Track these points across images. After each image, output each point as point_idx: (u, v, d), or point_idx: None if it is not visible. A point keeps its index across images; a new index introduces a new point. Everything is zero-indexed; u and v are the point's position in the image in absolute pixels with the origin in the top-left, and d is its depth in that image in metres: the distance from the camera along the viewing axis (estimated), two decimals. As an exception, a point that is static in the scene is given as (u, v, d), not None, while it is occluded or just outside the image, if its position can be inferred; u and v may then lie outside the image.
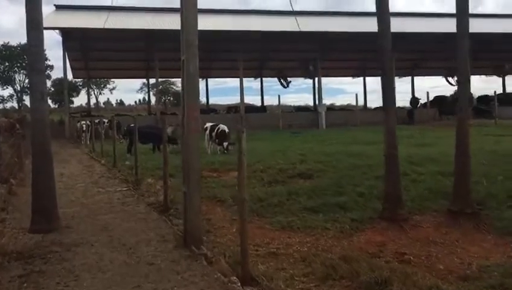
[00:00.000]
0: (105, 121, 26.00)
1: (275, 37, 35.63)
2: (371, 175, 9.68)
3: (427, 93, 42.25)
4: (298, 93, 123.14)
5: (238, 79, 37.23)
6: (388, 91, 6.97)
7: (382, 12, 6.94)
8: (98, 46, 37.19)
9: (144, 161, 13.05)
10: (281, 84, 44.93)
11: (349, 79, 60.34)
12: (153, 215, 7.52)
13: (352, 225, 6.71)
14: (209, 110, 41.23)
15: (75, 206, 8.28)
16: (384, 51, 6.86)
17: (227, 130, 16.31)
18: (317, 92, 39.65)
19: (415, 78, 50.31)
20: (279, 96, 38.82)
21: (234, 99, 66.80)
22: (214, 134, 16.51)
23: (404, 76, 49.75)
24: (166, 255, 5.47)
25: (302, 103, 64.88)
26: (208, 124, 17.08)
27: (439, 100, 43.19)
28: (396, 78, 44.45)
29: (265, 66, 45.17)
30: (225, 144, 15.82)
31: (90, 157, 17.03)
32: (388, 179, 6.93)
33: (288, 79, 45.40)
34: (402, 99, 53.61)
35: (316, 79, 42.54)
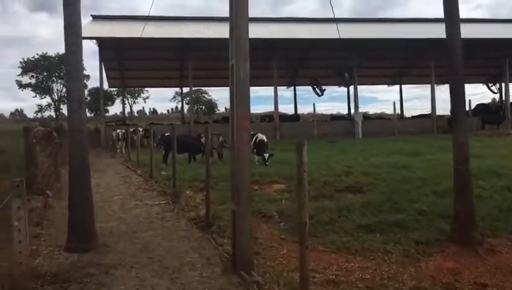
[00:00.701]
0: (140, 129, 25.92)
1: (310, 44, 35.10)
2: (428, 190, 8.90)
3: (469, 101, 40.56)
4: (329, 101, 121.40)
5: (269, 88, 36.85)
6: (458, 97, 6.24)
7: (451, 11, 6.24)
8: (133, 56, 37.46)
9: (181, 171, 12.59)
10: (315, 92, 44.20)
11: (382, 87, 59.11)
12: (195, 232, 6.97)
13: (417, 248, 5.97)
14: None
15: (113, 221, 7.83)
16: (455, 53, 6.14)
17: (265, 139, 15.73)
18: (354, 100, 38.74)
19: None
20: (314, 104, 37.94)
21: (266, 108, 66.38)
22: (251, 143, 15.95)
23: (442, 84, 48.14)
24: (213, 282, 4.90)
25: (334, 111, 63.89)
26: (245, 134, 16.57)
27: (482, 108, 41.47)
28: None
29: (298, 74, 44.63)
30: (266, 155, 15.22)
31: (126, 167, 16.74)
32: (459, 197, 6.17)
33: (323, 87, 44.68)
34: (440, 107, 52.01)
35: (352, 87, 41.73)
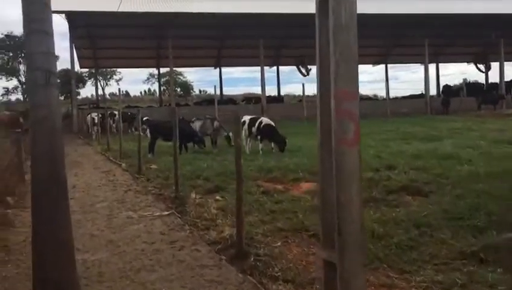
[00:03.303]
0: (116, 113, 23.41)
1: (296, 21, 32.79)
2: (518, 192, 6.79)
3: (464, 80, 39.09)
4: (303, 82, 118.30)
5: (244, 68, 35.06)
6: None
7: None
8: (107, 33, 34.57)
9: (172, 164, 10.20)
10: (300, 72, 42.24)
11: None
12: (229, 271, 4.59)
13: None
14: (228, 101, 38.51)
15: (101, 249, 5.41)
16: None
17: (272, 123, 13.40)
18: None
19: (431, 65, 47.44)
20: (303, 85, 35.75)
21: (242, 90, 64.40)
22: (254, 129, 13.64)
23: (430, 63, 46.50)
24: None
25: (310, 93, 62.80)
26: (246, 117, 14.20)
27: (476, 88, 40.10)
28: (418, 65, 41.54)
29: (282, 53, 42.55)
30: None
31: (107, 159, 14.19)
32: None
33: (309, 67, 42.69)
34: (418, 88, 50.79)
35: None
